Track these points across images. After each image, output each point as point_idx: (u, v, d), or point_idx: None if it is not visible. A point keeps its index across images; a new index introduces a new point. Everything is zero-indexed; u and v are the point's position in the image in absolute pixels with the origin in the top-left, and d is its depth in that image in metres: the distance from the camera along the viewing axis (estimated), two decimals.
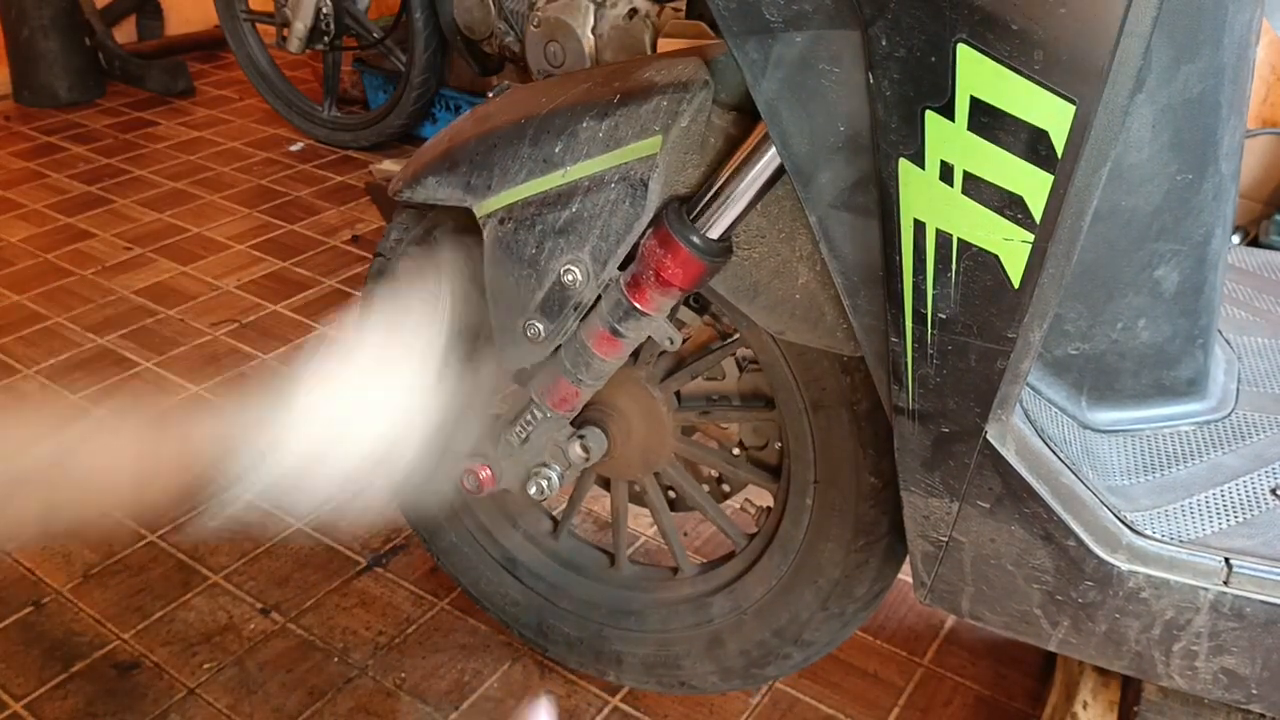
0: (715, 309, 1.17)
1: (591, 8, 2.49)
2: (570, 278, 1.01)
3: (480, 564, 1.45)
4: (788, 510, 1.17)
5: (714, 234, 0.95)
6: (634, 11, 2.45)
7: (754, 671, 1.28)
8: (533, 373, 1.13)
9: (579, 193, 1.00)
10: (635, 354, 1.20)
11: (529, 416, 1.15)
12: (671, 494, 1.34)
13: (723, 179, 0.94)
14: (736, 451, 1.27)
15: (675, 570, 1.36)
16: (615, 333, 1.02)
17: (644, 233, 0.97)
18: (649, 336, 1.03)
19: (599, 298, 1.02)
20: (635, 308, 0.99)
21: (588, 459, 1.20)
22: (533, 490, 1.18)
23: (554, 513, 1.49)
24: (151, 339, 2.32)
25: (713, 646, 1.29)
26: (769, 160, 0.91)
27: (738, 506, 1.31)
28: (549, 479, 1.18)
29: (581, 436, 1.18)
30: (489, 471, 1.20)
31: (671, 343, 1.03)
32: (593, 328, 1.03)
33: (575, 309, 1.03)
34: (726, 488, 1.33)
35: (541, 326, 1.05)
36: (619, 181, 0.98)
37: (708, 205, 0.95)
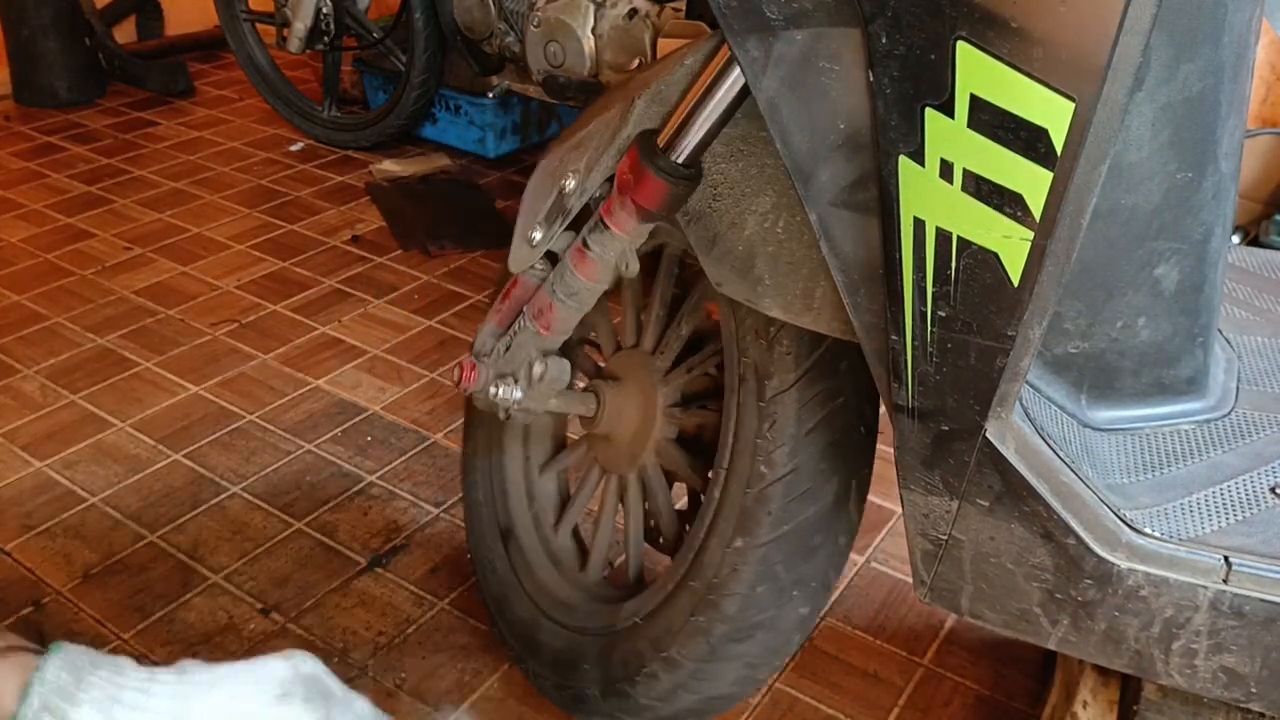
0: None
1: (591, 8, 2.49)
2: (566, 184, 1.06)
3: (487, 528, 1.47)
4: (702, 504, 1.17)
5: (680, 159, 0.97)
6: (634, 11, 2.45)
7: (622, 687, 1.23)
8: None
9: (595, 114, 1.07)
10: (656, 342, 1.23)
11: (517, 325, 1.19)
12: (652, 523, 1.35)
13: (689, 106, 0.96)
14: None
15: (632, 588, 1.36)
16: (585, 245, 1.06)
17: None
18: (614, 261, 1.07)
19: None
20: (602, 221, 1.03)
21: (542, 380, 1.20)
22: (492, 391, 1.20)
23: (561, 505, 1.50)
24: (151, 339, 2.32)
25: (605, 651, 1.26)
26: (729, 88, 0.92)
27: None
28: (509, 388, 1.20)
29: (547, 356, 1.20)
30: (475, 372, 1.23)
31: (628, 268, 1.07)
32: (573, 242, 1.09)
33: (564, 216, 1.08)
34: None
35: (540, 233, 1.10)
36: (621, 102, 1.04)
37: (676, 131, 0.97)
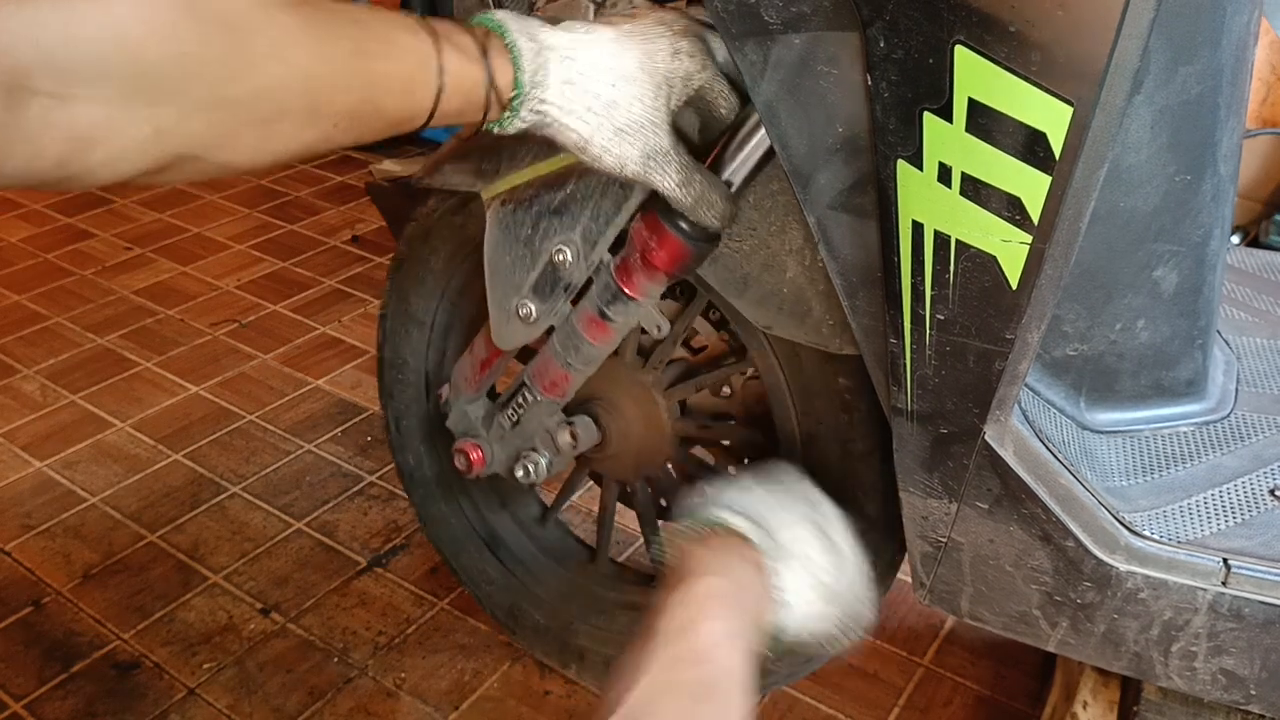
0: (731, 325, 1.17)
1: (591, 8, 2.49)
2: (561, 258, 1.01)
3: (464, 538, 1.46)
4: None
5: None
6: None
7: None
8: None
9: (574, 175, 1.01)
10: (646, 356, 1.21)
11: (521, 399, 1.15)
12: (663, 502, 1.35)
13: (709, 164, 0.94)
14: (732, 470, 1.27)
15: (651, 577, 1.36)
16: (603, 316, 1.02)
17: (633, 217, 0.98)
18: (638, 324, 1.04)
19: (590, 281, 1.03)
20: (623, 292, 0.99)
21: (575, 446, 1.19)
22: (519, 474, 1.19)
23: (545, 500, 1.50)
24: (151, 339, 2.32)
25: None
26: (754, 147, 0.91)
27: None
28: (536, 464, 1.18)
29: (571, 424, 1.19)
30: (480, 453, 1.20)
31: (659, 330, 1.03)
32: (583, 311, 1.04)
33: (565, 290, 1.04)
34: None
35: (534, 307, 1.06)
36: None
37: None
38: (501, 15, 0.80)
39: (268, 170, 0.75)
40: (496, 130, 0.81)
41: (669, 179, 0.87)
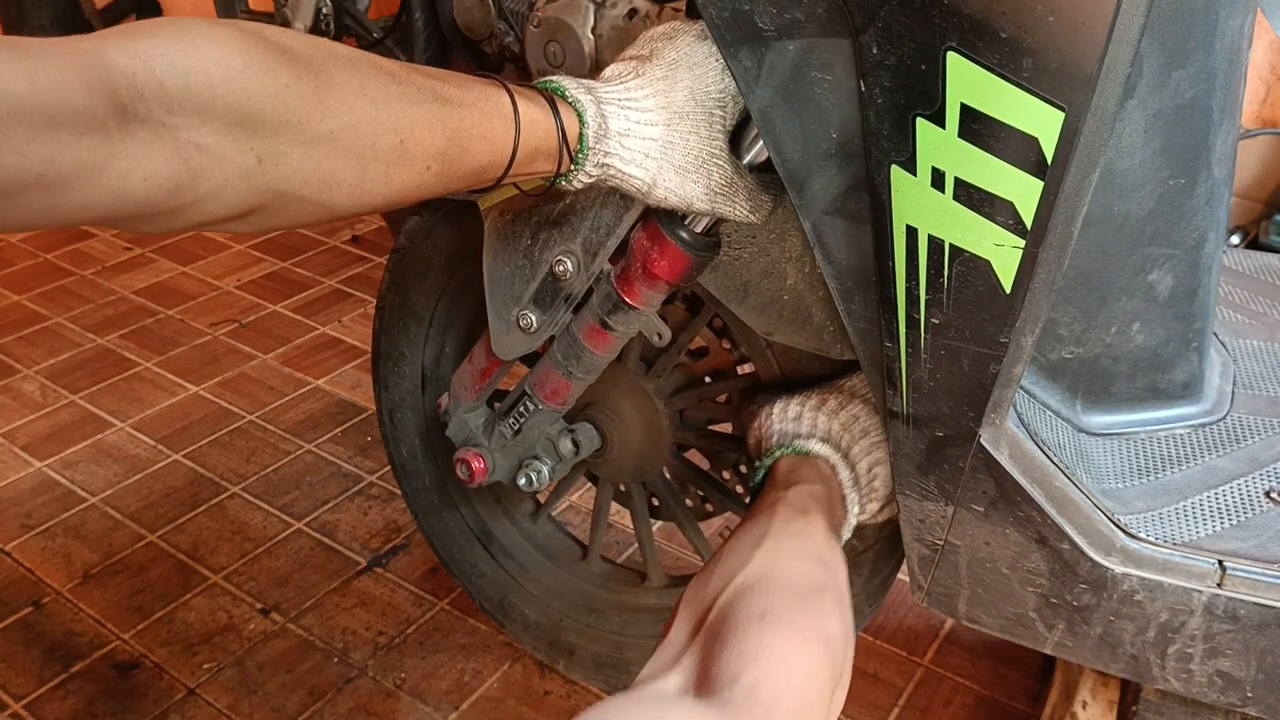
0: (734, 335, 1.17)
1: (591, 8, 2.48)
2: (562, 269, 1.01)
3: (456, 531, 1.46)
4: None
5: (700, 228, 0.95)
6: (634, 12, 2.44)
7: None
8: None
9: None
10: (649, 364, 1.21)
11: (522, 408, 1.15)
12: (654, 501, 1.35)
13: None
14: (727, 475, 1.27)
15: (644, 577, 1.37)
16: (605, 325, 1.02)
17: (634, 227, 0.98)
18: (639, 332, 1.04)
19: (591, 291, 1.03)
20: (624, 301, 0.99)
21: (578, 454, 1.20)
22: (522, 482, 1.19)
23: (539, 497, 1.50)
24: (151, 339, 2.33)
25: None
26: (754, 156, 0.91)
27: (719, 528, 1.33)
28: (539, 471, 1.19)
29: (573, 431, 1.19)
30: (482, 462, 1.21)
31: (660, 338, 1.03)
32: (584, 320, 1.04)
33: (566, 300, 1.03)
34: (709, 507, 1.34)
35: (534, 317, 1.05)
36: None
37: None
38: (559, 77, 0.82)
39: (365, 215, 0.77)
40: (564, 185, 0.83)
41: (739, 208, 0.89)
